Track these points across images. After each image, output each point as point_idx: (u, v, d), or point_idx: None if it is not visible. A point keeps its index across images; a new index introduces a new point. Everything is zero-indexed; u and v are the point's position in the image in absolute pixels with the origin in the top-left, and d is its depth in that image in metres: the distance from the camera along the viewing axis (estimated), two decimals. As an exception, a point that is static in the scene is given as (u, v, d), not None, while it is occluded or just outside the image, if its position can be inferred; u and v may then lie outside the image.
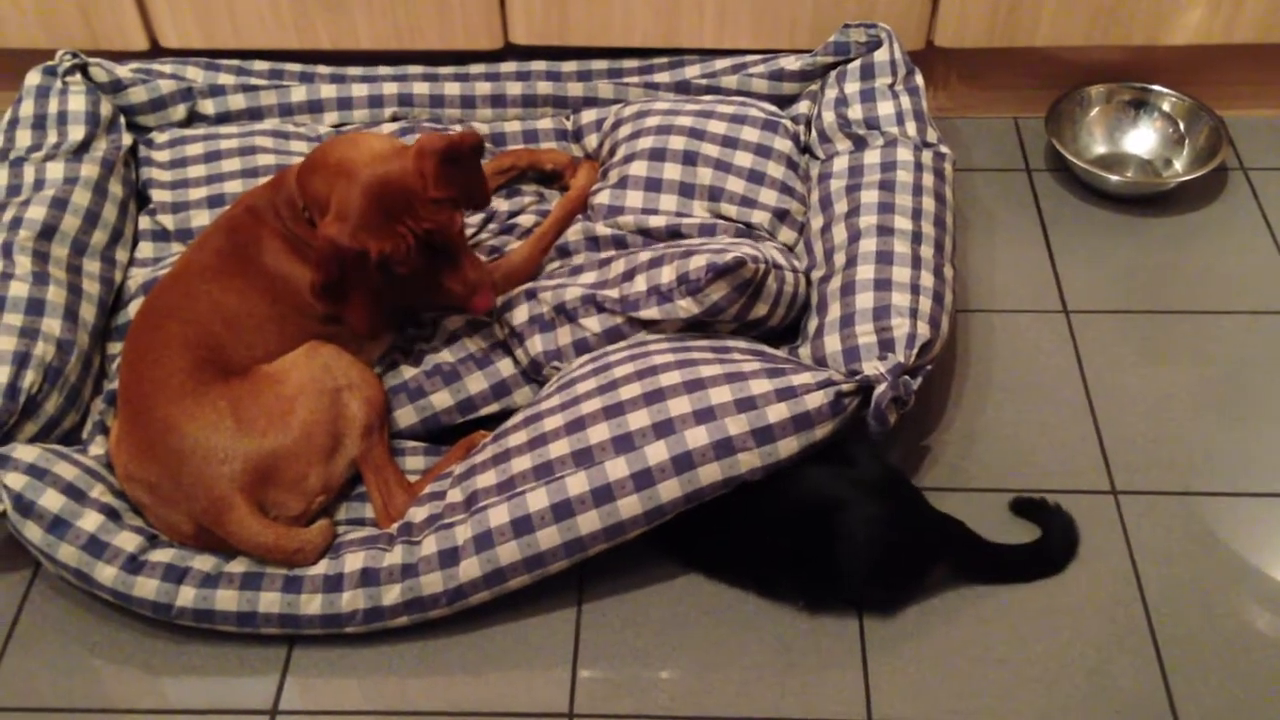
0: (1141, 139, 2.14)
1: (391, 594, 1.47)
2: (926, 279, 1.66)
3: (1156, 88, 2.14)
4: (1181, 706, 1.43)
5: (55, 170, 1.87)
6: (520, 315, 1.68)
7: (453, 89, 2.11)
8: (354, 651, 1.51)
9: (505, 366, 1.69)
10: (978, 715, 1.43)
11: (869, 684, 1.46)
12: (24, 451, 1.53)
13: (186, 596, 1.48)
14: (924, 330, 1.58)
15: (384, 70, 2.14)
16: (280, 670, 1.50)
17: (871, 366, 1.52)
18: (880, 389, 1.47)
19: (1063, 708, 1.43)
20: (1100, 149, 2.15)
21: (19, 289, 1.69)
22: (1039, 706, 1.43)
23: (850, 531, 1.46)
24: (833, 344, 1.61)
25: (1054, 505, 1.60)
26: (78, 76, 1.98)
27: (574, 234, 1.84)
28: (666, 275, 1.60)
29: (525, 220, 1.92)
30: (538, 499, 1.47)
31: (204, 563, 1.51)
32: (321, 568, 1.49)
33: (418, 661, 1.50)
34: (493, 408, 1.68)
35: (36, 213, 1.79)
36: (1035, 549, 1.57)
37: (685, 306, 1.58)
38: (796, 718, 1.44)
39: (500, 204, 1.96)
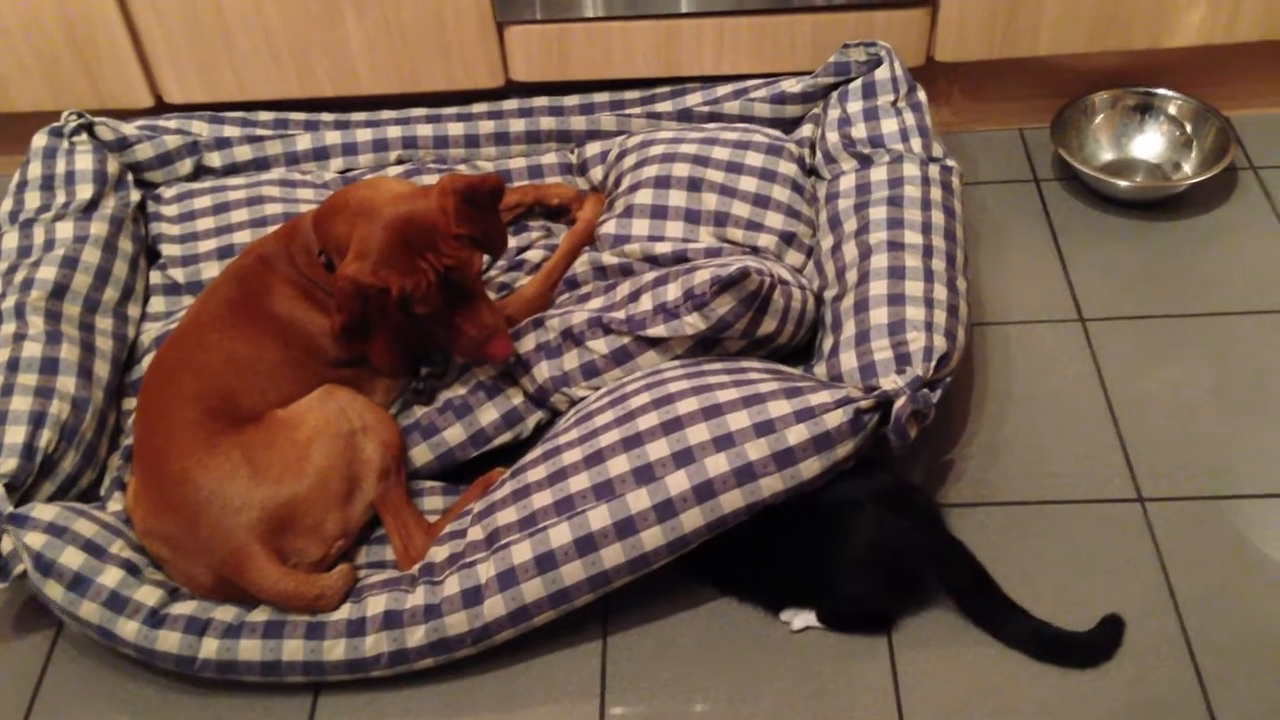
0: (1149, 143, 2.13)
1: (416, 636, 1.46)
2: (940, 292, 1.65)
3: (1161, 91, 2.13)
4: (1220, 713, 1.40)
5: (65, 229, 1.88)
6: (527, 344, 1.68)
7: (456, 129, 2.11)
8: (380, 696, 1.50)
9: (515, 395, 1.68)
10: (1016, 732, 1.40)
11: (901, 704, 1.44)
12: (43, 510, 1.52)
13: (209, 648, 1.47)
14: (940, 343, 1.57)
15: (387, 114, 2.15)
16: (307, 719, 1.49)
17: (889, 381, 1.51)
18: (899, 403, 1.46)
19: (1103, 719, 1.41)
20: (1107, 155, 2.14)
21: (33, 349, 1.70)
22: (1079, 718, 1.40)
23: (855, 534, 1.46)
24: (849, 361, 1.60)
25: (1115, 620, 1.49)
26: (84, 136, 2.00)
27: (581, 265, 1.84)
28: (672, 293, 1.60)
29: (533, 255, 1.92)
30: (560, 534, 1.46)
31: (226, 613, 1.50)
32: (344, 612, 1.48)
33: (444, 703, 1.49)
34: (506, 437, 1.67)
35: (47, 273, 1.80)
36: (1046, 631, 1.47)
37: (692, 323, 1.57)
38: (831, 743, 1.42)
39: (508, 243, 1.95)
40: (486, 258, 1.90)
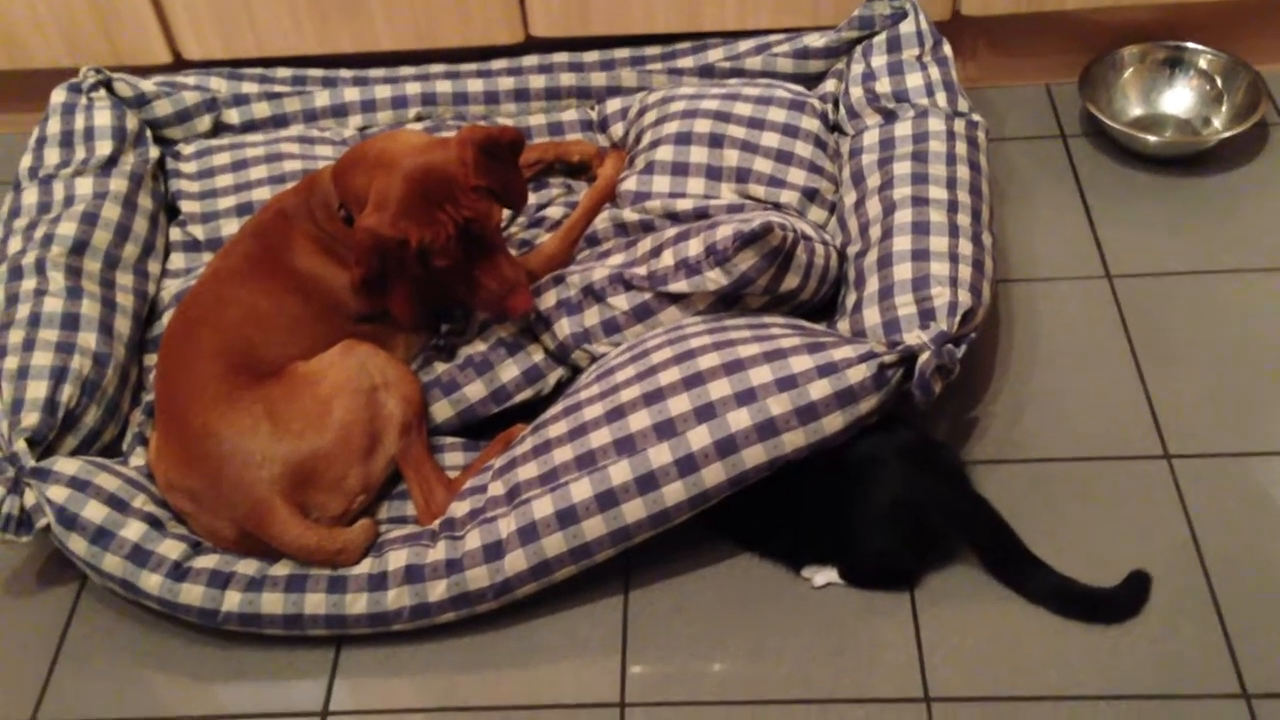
0: (1178, 98, 2.10)
1: (437, 590, 1.46)
2: (965, 247, 1.63)
3: (1191, 45, 2.09)
4: (1247, 670, 1.39)
5: (84, 186, 1.87)
6: (548, 300, 1.67)
7: (476, 85, 2.10)
8: (401, 650, 1.50)
9: (536, 351, 1.67)
10: (1040, 688, 1.39)
11: (924, 661, 1.43)
12: (65, 464, 1.53)
13: (232, 601, 1.47)
14: (965, 298, 1.55)
15: (406, 71, 2.14)
16: (329, 672, 1.49)
17: (913, 337, 1.49)
18: (924, 357, 1.44)
19: (1128, 676, 1.39)
20: (1136, 111, 2.11)
21: (53, 304, 1.70)
22: (1103, 676, 1.40)
23: (879, 489, 1.45)
24: (872, 317, 1.58)
25: (1142, 576, 1.47)
26: (102, 92, 1.99)
27: (601, 222, 1.83)
28: (694, 248, 1.58)
29: (554, 212, 1.91)
30: (581, 489, 1.45)
31: (248, 567, 1.50)
32: (365, 567, 1.48)
33: (466, 657, 1.49)
34: (526, 394, 1.66)
35: (67, 229, 1.80)
36: (1071, 587, 1.46)
37: (714, 278, 1.56)
38: (852, 698, 1.41)
39: (528, 198, 1.94)
40: (507, 213, 1.89)
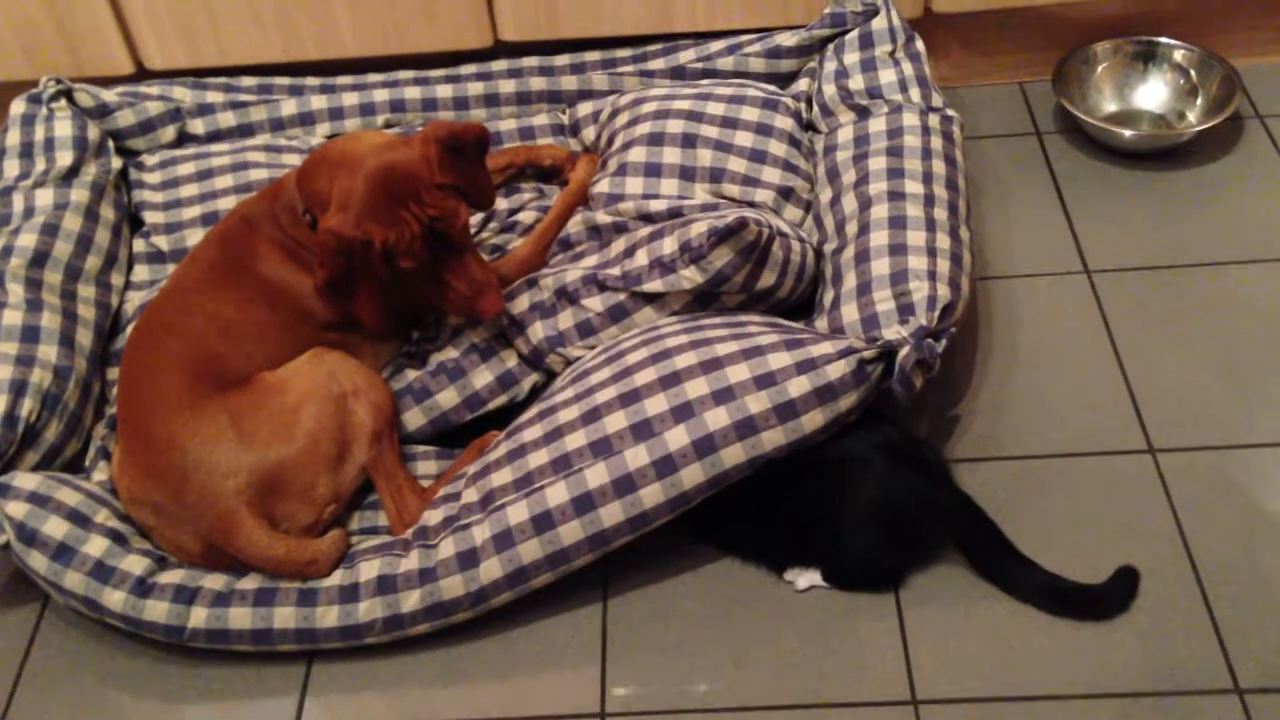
0: (1152, 93, 2.09)
1: (410, 600, 1.42)
2: (943, 241, 1.60)
3: (1164, 40, 2.08)
4: (1239, 665, 1.36)
5: (45, 197, 1.83)
6: (521, 304, 1.64)
7: (445, 91, 2.07)
8: (375, 664, 1.46)
9: (510, 357, 1.64)
10: (1030, 688, 1.36)
11: (910, 663, 1.40)
12: (24, 480, 1.49)
13: (199, 617, 1.43)
14: (944, 292, 1.53)
15: (374, 77, 2.11)
16: (300, 688, 1.45)
17: (893, 332, 1.46)
18: (904, 352, 1.42)
19: (1117, 673, 1.36)
20: (1111, 107, 2.10)
21: (13, 317, 1.65)
22: (1094, 674, 1.37)
23: (861, 488, 1.42)
24: (850, 314, 1.56)
25: (1130, 571, 1.45)
26: (63, 102, 1.95)
27: (575, 225, 1.79)
28: (668, 246, 1.55)
29: (526, 217, 1.88)
30: (557, 493, 1.42)
31: (215, 581, 1.46)
32: (336, 578, 1.44)
33: (441, 669, 1.45)
34: (500, 400, 1.63)
35: (28, 240, 1.75)
36: (1058, 584, 1.43)
37: (689, 276, 1.53)
38: (838, 703, 1.38)
39: (500, 203, 1.91)
40: (478, 219, 1.86)
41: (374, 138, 1.54)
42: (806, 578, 1.48)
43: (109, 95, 2.00)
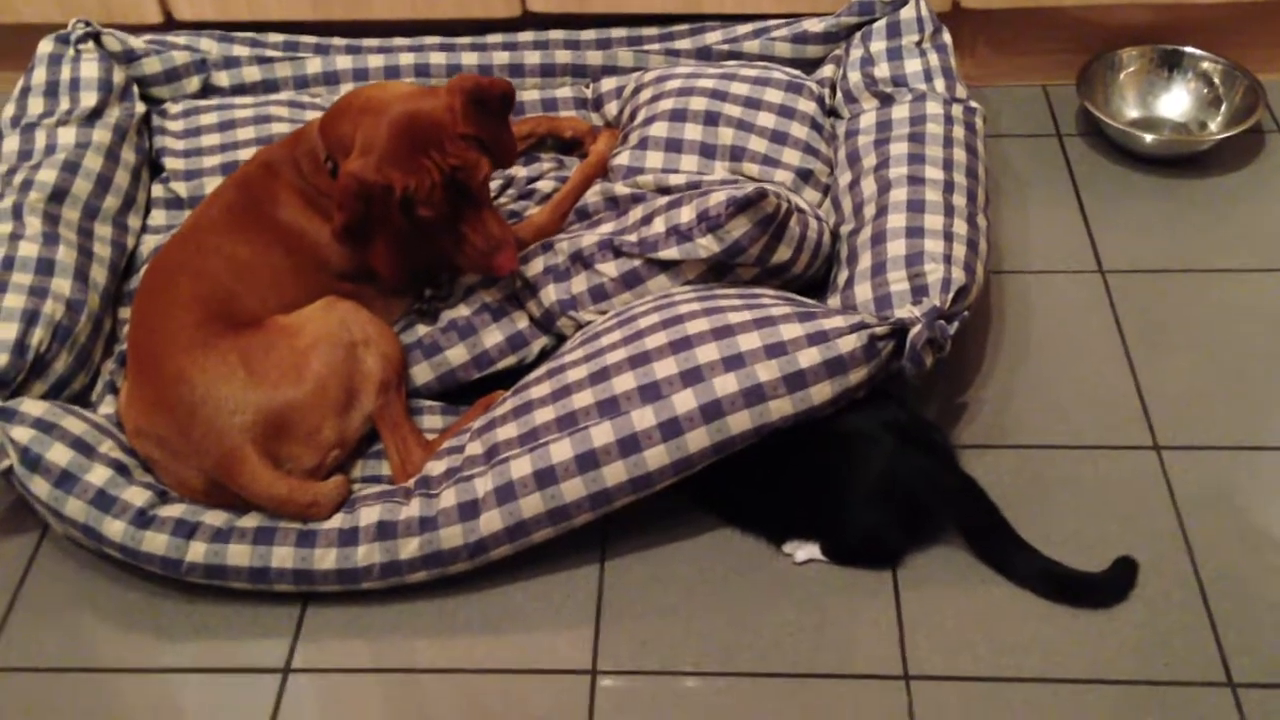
0: (1175, 101, 2.09)
1: (409, 547, 1.42)
2: (960, 226, 1.61)
3: (1190, 49, 2.08)
4: (1234, 659, 1.36)
5: (67, 135, 1.84)
6: (536, 267, 1.64)
7: (470, 59, 2.07)
8: (370, 611, 1.46)
9: (521, 318, 1.64)
10: (1023, 670, 1.36)
11: (905, 640, 1.40)
12: (31, 406, 1.49)
13: (197, 552, 1.43)
14: (959, 275, 1.53)
15: (400, 41, 2.11)
16: (294, 630, 1.45)
17: (905, 312, 1.46)
18: (915, 330, 1.42)
19: (1111, 661, 1.36)
20: (1133, 113, 2.10)
21: (29, 249, 1.66)
22: (1087, 660, 1.37)
23: (868, 464, 1.42)
24: (864, 293, 1.56)
25: (1129, 562, 1.45)
26: (90, 45, 1.95)
27: (593, 195, 1.80)
28: (686, 215, 1.55)
29: (544, 186, 1.88)
30: (561, 450, 1.42)
31: (215, 518, 1.46)
32: (336, 521, 1.44)
33: (436, 620, 1.45)
34: (509, 361, 1.63)
35: (47, 175, 1.76)
36: (1059, 570, 1.43)
37: (705, 245, 1.53)
38: (830, 673, 1.37)
39: (519, 170, 1.92)
40: (496, 183, 1.86)
41: (399, 87, 1.55)
42: (805, 551, 1.48)
43: (136, 42, 2.01)
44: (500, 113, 1.55)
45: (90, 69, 1.92)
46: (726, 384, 1.41)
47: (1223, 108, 2.05)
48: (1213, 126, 2.05)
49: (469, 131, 1.48)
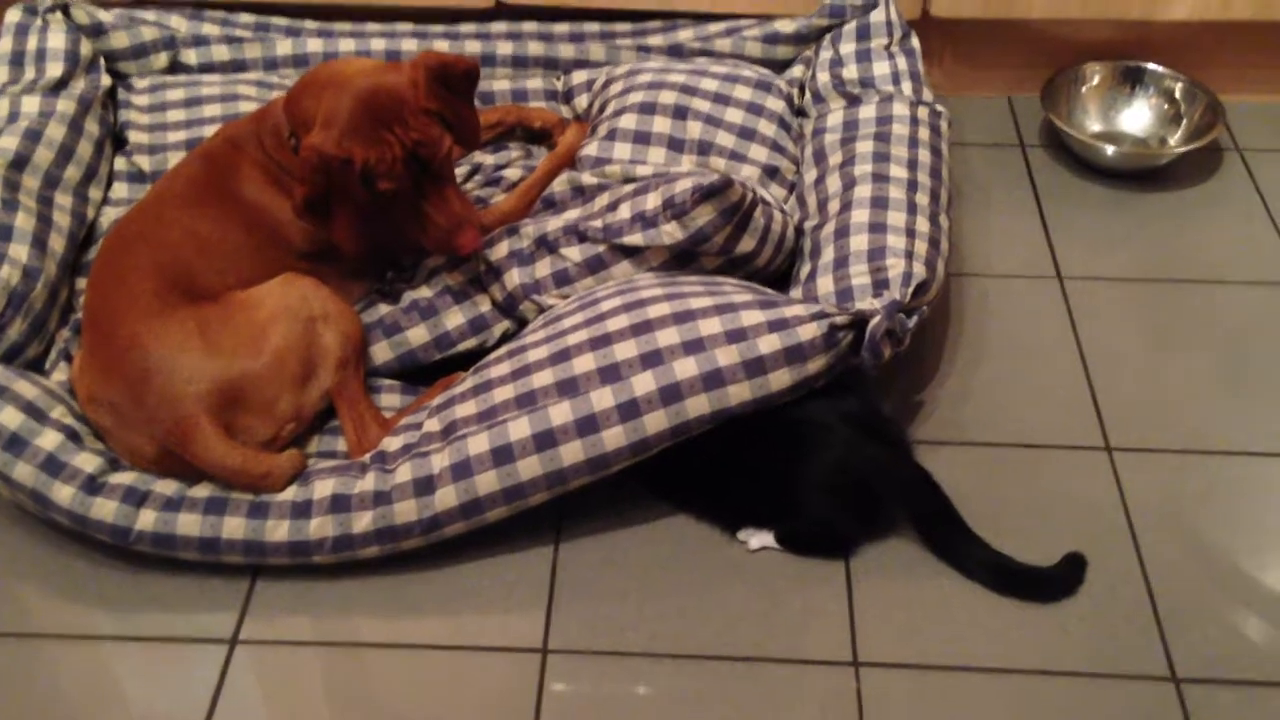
0: (1137, 117, 2.13)
1: (363, 521, 1.41)
2: (922, 225, 1.62)
3: (1152, 66, 2.12)
4: (1177, 655, 1.37)
5: (30, 104, 1.82)
6: (500, 250, 1.64)
7: (442, 47, 2.07)
8: (321, 586, 1.45)
9: (483, 301, 1.64)
10: (972, 659, 1.37)
11: (855, 628, 1.41)
12: (-18, 369, 1.47)
13: (147, 520, 1.41)
14: (920, 270, 1.54)
15: (372, 27, 2.11)
16: (242, 604, 1.43)
17: (866, 304, 1.48)
18: (875, 321, 1.43)
19: (1057, 653, 1.37)
20: (1095, 127, 2.13)
21: (-14, 214, 1.64)
22: (1035, 652, 1.38)
23: (824, 453, 1.43)
24: (825, 285, 1.57)
25: (1079, 558, 1.46)
26: (59, 16, 1.94)
27: (559, 184, 1.80)
28: (651, 201, 1.56)
29: (511, 174, 1.88)
30: (519, 428, 1.41)
31: (166, 487, 1.44)
32: (290, 494, 1.43)
33: (388, 597, 1.44)
34: (470, 343, 1.63)
35: (8, 142, 1.74)
36: (1009, 564, 1.44)
37: (670, 231, 1.54)
38: (779, 658, 1.38)
39: (487, 158, 1.92)
40: (463, 171, 1.86)
41: (363, 62, 1.55)
42: (759, 539, 1.49)
43: (105, 15, 1.99)
44: (464, 91, 1.56)
45: (57, 40, 1.90)
46: (686, 368, 1.41)
47: (1182, 124, 2.09)
48: (1172, 142, 2.09)
49: (432, 107, 1.48)
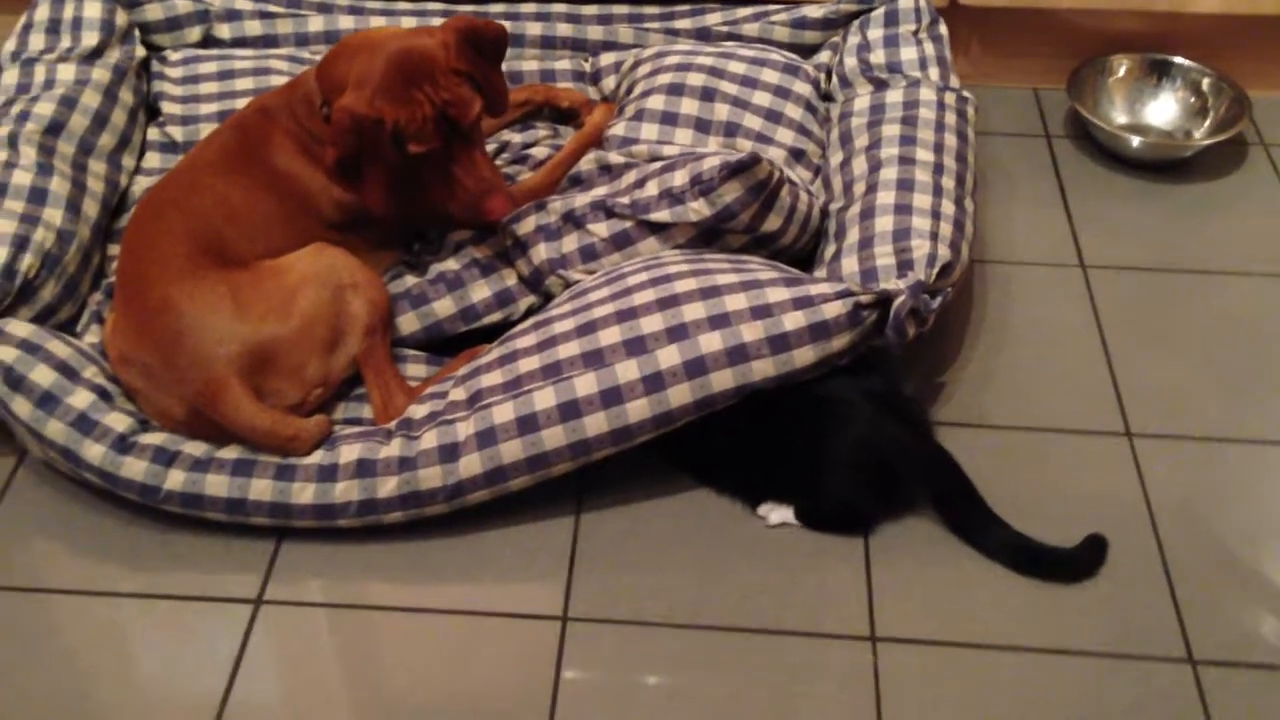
0: (1162, 109, 2.13)
1: (388, 486, 1.43)
2: (947, 206, 1.63)
3: (1179, 59, 2.12)
4: (1195, 638, 1.38)
5: (66, 71, 1.84)
6: (528, 225, 1.65)
7: (471, 26, 2.08)
8: (344, 548, 1.47)
9: (510, 275, 1.66)
10: (989, 637, 1.38)
11: (873, 604, 1.42)
12: (17, 327, 1.49)
13: (175, 480, 1.43)
14: (944, 252, 1.55)
15: (403, 6, 2.12)
16: (267, 565, 1.45)
17: (891, 284, 1.49)
18: (900, 300, 1.44)
19: (1075, 633, 1.38)
20: (1121, 118, 2.13)
21: (22, 177, 1.66)
22: (1052, 631, 1.38)
23: (846, 430, 1.44)
24: (850, 265, 1.58)
25: (1100, 539, 1.47)
26: (95, -14, 1.96)
27: (587, 163, 1.81)
28: (679, 178, 1.57)
29: (539, 152, 1.89)
30: (544, 398, 1.43)
31: (195, 448, 1.46)
32: (316, 457, 1.45)
33: (410, 562, 1.45)
34: (495, 316, 1.64)
35: (45, 109, 1.77)
36: (1029, 544, 1.44)
37: (697, 208, 1.55)
38: (797, 631, 1.39)
39: (514, 136, 1.93)
40: (491, 147, 1.88)
41: (393, 28, 1.57)
42: (779, 514, 1.50)
43: (140, -12, 2.02)
44: (493, 56, 1.57)
45: (93, 9, 1.93)
46: (711, 342, 1.43)
47: (1208, 117, 2.09)
48: (1197, 135, 2.09)
49: (462, 68, 1.50)
